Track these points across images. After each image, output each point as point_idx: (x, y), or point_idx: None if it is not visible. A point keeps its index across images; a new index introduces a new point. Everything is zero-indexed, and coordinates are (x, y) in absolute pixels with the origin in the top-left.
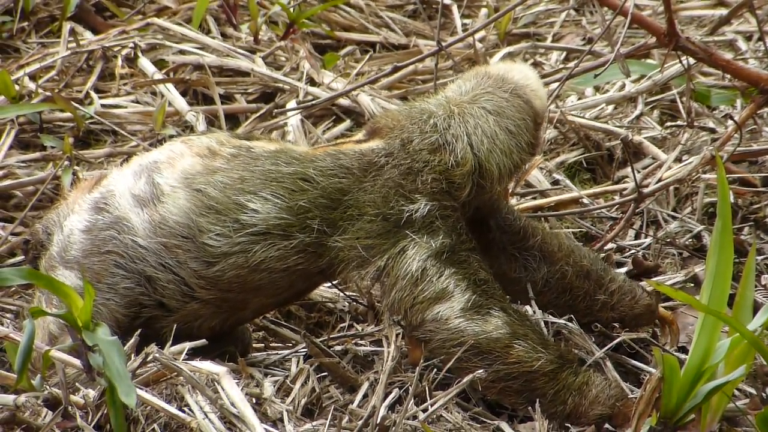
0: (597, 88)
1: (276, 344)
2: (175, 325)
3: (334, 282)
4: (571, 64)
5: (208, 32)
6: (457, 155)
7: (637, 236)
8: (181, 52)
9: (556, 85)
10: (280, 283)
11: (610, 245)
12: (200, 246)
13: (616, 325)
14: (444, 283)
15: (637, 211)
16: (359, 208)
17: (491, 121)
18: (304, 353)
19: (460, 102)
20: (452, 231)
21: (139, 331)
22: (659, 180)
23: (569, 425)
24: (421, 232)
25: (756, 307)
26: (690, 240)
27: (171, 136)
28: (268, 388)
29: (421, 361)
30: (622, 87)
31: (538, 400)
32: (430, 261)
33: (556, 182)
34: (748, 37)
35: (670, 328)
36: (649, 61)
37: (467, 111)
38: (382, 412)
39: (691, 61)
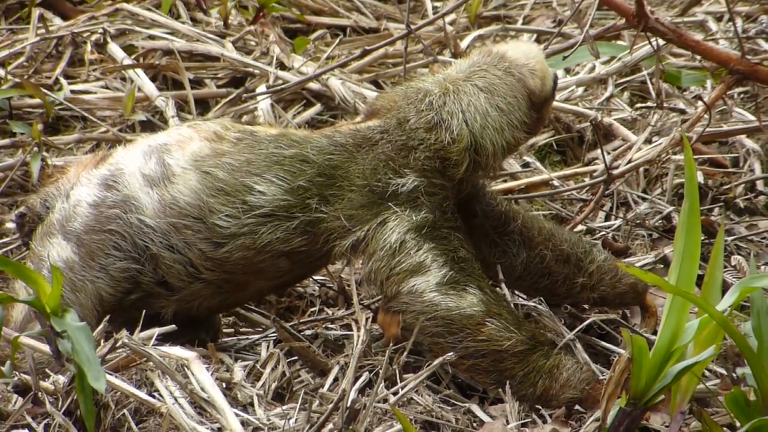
0: (567, 70)
1: (246, 329)
2: (176, 305)
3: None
4: (542, 47)
5: (177, 17)
6: (452, 132)
7: (607, 218)
8: (151, 37)
9: None
10: (282, 265)
11: (580, 227)
12: (210, 226)
13: (585, 306)
14: (422, 257)
15: (607, 192)
16: (349, 180)
17: (482, 99)
18: (274, 338)
19: (456, 79)
20: (437, 208)
21: (107, 317)
22: (629, 161)
23: (540, 407)
24: (405, 206)
25: (725, 288)
26: (660, 221)
27: (141, 122)
28: (238, 373)
29: (399, 335)
30: (592, 69)
31: (507, 381)
32: (410, 234)
33: (526, 164)
34: (719, 18)
35: (649, 317)
36: (618, 42)
37: (461, 88)
38: (353, 395)
39: (661, 42)
